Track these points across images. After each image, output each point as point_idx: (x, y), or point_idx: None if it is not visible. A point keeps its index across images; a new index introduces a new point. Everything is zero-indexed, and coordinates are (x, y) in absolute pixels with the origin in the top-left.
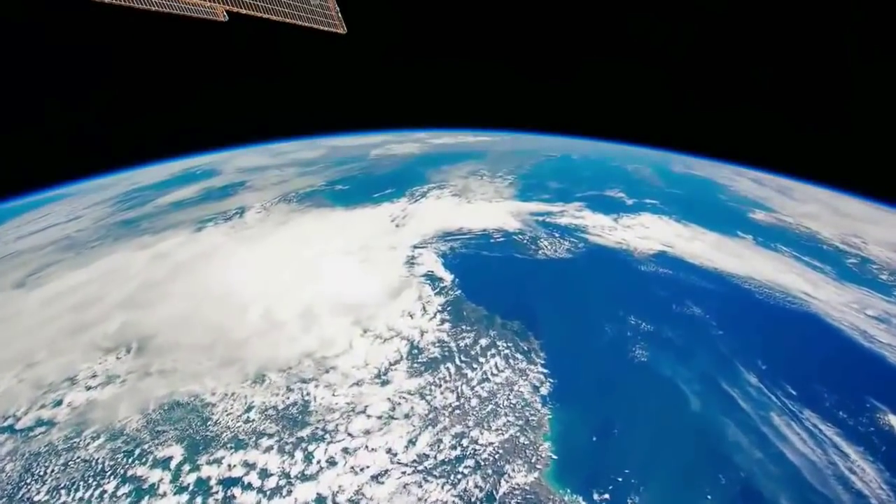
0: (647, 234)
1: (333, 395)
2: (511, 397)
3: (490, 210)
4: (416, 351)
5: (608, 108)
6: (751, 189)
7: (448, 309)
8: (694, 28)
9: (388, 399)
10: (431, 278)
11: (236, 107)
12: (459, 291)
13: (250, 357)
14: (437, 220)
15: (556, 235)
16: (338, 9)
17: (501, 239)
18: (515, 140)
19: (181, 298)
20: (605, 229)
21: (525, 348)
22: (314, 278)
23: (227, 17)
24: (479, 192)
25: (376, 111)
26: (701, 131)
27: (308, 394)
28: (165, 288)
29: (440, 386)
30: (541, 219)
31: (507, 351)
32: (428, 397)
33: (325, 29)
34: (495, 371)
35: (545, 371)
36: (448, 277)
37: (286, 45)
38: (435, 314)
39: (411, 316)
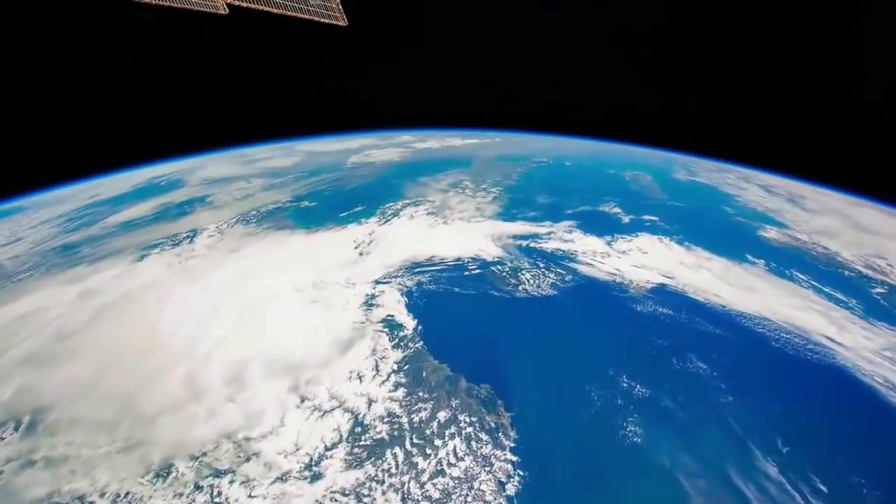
0: (644, 261)
1: (250, 495)
2: (469, 499)
3: (468, 233)
4: (359, 429)
5: (607, 106)
6: (760, 199)
7: (405, 368)
8: (694, 22)
9: (317, 502)
10: (391, 325)
11: (222, 107)
12: (421, 343)
13: (159, 438)
14: (407, 247)
15: (541, 265)
16: (338, 0)
17: (477, 271)
18: (506, 142)
19: (95, 354)
20: (598, 256)
21: (492, 425)
22: (253, 327)
23: (227, 11)
24: (457, 210)
25: (364, 111)
26: (704, 130)
27: (219, 493)
28: (80, 339)
29: (383, 482)
30: (525, 243)
31: (469, 429)
32: (366, 499)
33: (326, 22)
34: (453, 459)
35: (514, 459)
36: (410, 323)
37: (275, 43)
38: (389, 376)
39: (360, 378)
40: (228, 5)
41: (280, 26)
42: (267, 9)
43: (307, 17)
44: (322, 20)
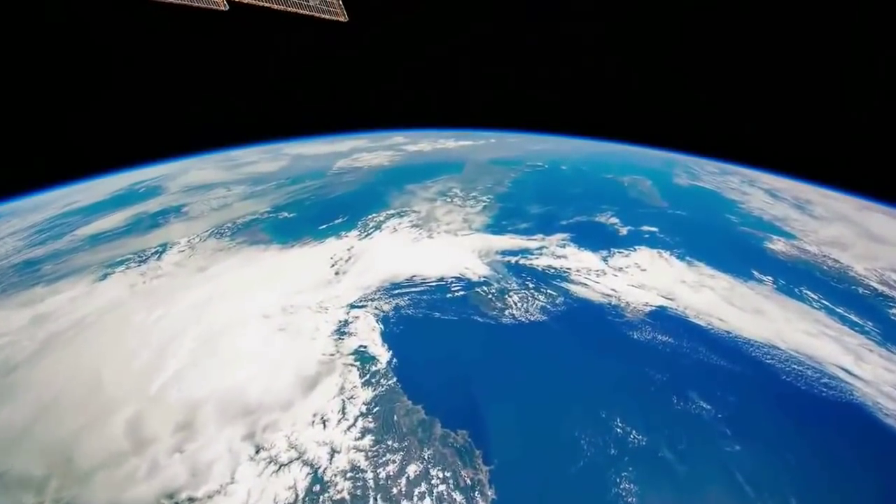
0: (643, 279)
1: None
2: None
3: (454, 248)
4: (318, 487)
5: (606, 104)
6: (765, 205)
7: (375, 411)
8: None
9: None
10: (363, 357)
11: (214, 108)
12: (394, 379)
13: (91, 500)
14: (387, 265)
15: (531, 285)
16: None
17: (461, 292)
18: (501, 144)
19: (35, 394)
20: (592, 274)
21: (468, 481)
22: (212, 361)
23: (227, 7)
24: (444, 222)
25: (359, 110)
26: (708, 129)
27: None
28: (23, 375)
29: None
30: (514, 260)
31: (442, 487)
32: None
33: (327, 17)
34: None
35: None
36: (384, 356)
37: (271, 41)
38: (356, 420)
39: (324, 423)
40: (228, 1)
41: (275, 25)
42: (268, 5)
43: (308, 13)
44: (323, 16)
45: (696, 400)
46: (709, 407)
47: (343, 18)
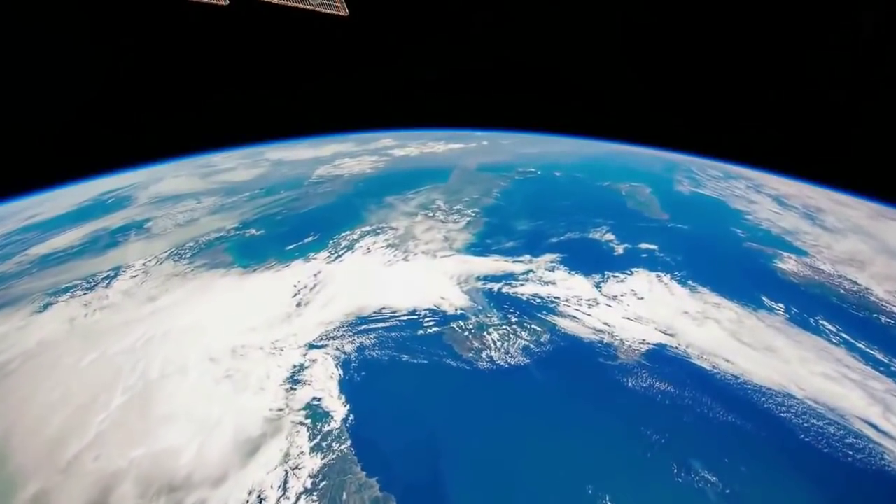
0: (639, 311)
1: None
2: None
3: (431, 273)
4: None
5: (605, 102)
6: (773, 216)
7: (321, 486)
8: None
9: None
10: (315, 413)
11: (203, 108)
12: (349, 443)
13: None
14: (354, 295)
15: (513, 319)
16: None
17: (435, 328)
18: (493, 146)
19: None
20: (583, 304)
21: None
22: (141, 419)
23: (228, 1)
24: (422, 241)
25: (349, 109)
26: (712, 128)
27: None
28: None
29: None
30: (496, 287)
31: None
32: None
33: (328, 12)
34: None
35: None
36: (340, 411)
37: (265, 40)
38: (297, 499)
39: (261, 503)
40: None
41: (269, 24)
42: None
43: (309, 7)
44: (324, 10)
45: (700, 470)
46: (714, 479)
47: (344, 13)
